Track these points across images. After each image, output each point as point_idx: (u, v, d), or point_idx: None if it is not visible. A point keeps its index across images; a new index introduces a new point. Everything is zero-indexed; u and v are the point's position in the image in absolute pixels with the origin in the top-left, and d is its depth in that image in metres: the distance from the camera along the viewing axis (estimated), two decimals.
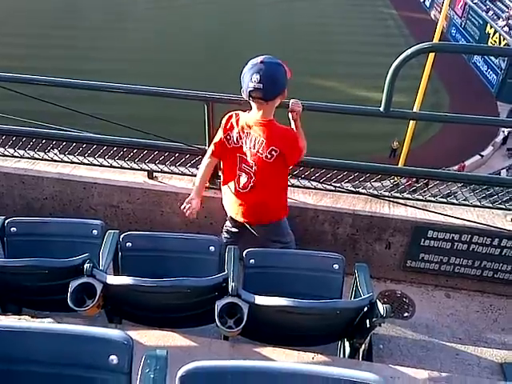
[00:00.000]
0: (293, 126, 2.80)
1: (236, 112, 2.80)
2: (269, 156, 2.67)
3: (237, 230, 3.09)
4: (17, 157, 3.71)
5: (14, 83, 3.29)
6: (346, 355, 2.51)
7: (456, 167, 19.98)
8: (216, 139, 2.87)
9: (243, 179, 2.80)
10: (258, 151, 2.69)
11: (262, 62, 2.53)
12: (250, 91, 2.55)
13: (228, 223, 3.14)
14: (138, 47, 29.35)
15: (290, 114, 2.78)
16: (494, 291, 3.37)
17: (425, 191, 3.47)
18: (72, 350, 1.44)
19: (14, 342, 1.44)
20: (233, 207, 2.95)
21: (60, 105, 3.27)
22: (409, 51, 2.83)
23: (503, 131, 22.51)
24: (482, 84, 28.36)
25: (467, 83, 27.61)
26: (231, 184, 2.87)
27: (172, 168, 3.55)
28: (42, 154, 3.68)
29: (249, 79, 2.53)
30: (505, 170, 21.33)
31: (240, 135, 2.73)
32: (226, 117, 2.82)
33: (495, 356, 2.53)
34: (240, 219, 2.96)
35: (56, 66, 24.01)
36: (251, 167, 2.75)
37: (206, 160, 2.93)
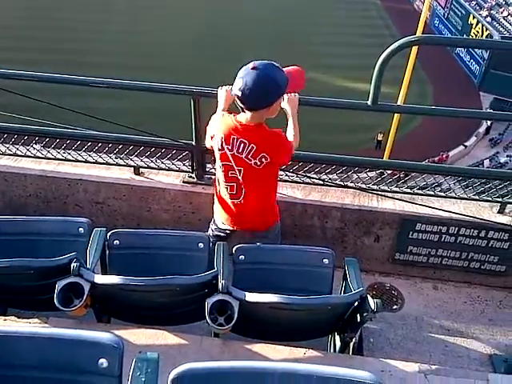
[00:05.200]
0: (289, 122, 2.69)
1: (223, 113, 2.63)
2: (258, 163, 2.50)
3: (225, 235, 2.95)
4: None
5: None
6: (337, 349, 2.52)
7: (436, 158, 20.20)
8: (207, 138, 2.71)
9: (233, 189, 2.65)
10: (246, 157, 2.51)
11: (253, 69, 2.30)
12: (234, 95, 2.41)
13: (215, 229, 2.98)
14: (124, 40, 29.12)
15: (284, 108, 2.65)
16: (481, 282, 3.41)
17: (405, 181, 3.49)
18: (61, 354, 1.41)
19: (1, 347, 1.41)
20: (226, 216, 2.82)
21: (40, 100, 3.15)
22: (396, 44, 2.81)
23: (486, 122, 22.78)
24: (465, 74, 28.64)
25: (450, 73, 27.86)
26: (222, 193, 2.74)
27: (159, 163, 3.50)
28: (24, 150, 3.61)
29: (235, 83, 2.36)
30: (488, 160, 21.65)
31: (226, 141, 2.53)
32: (212, 118, 2.65)
33: (484, 347, 2.56)
34: (234, 227, 2.85)
35: (40, 58, 23.70)
36: (239, 174, 2.58)
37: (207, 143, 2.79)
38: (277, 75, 2.36)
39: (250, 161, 2.50)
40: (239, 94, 2.34)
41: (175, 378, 1.30)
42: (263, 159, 2.49)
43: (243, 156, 2.51)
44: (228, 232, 2.92)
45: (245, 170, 2.56)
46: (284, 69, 2.45)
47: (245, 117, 2.47)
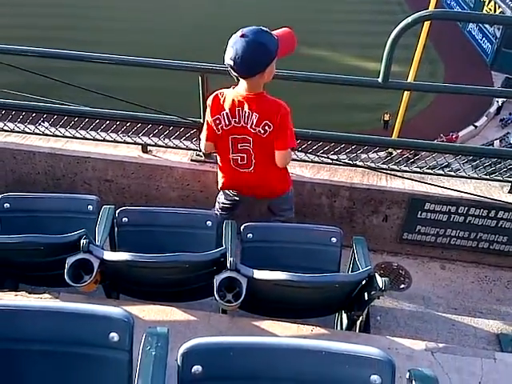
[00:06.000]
0: None
1: (221, 91, 2.62)
2: (262, 131, 2.53)
3: (232, 206, 3.00)
4: (7, 131, 3.63)
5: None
6: (344, 327, 2.54)
7: (445, 139, 19.93)
8: (206, 124, 2.70)
9: (243, 159, 2.68)
10: (251, 127, 2.54)
11: (242, 36, 2.31)
12: (227, 65, 2.41)
13: (223, 199, 3.01)
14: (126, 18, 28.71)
15: None
16: (489, 262, 3.40)
17: (414, 161, 3.46)
18: (72, 328, 1.43)
19: (13, 321, 1.43)
20: (236, 186, 2.86)
21: (49, 76, 3.14)
22: (408, 19, 2.75)
23: (497, 101, 22.41)
24: (477, 52, 28.10)
25: (462, 52, 27.34)
26: (231, 166, 2.74)
27: (166, 141, 3.50)
28: (32, 127, 3.61)
29: (227, 53, 2.37)
30: (498, 141, 21.37)
31: (231, 114, 2.55)
32: (211, 98, 2.63)
33: (491, 326, 2.57)
34: (245, 194, 2.89)
35: (45, 36, 23.49)
36: (249, 144, 2.61)
37: (203, 143, 2.76)
38: (266, 40, 2.37)
39: (255, 130, 2.54)
40: (231, 63, 2.36)
41: (185, 353, 1.31)
42: (266, 127, 2.52)
43: (248, 126, 2.55)
44: (238, 200, 2.95)
45: (253, 140, 2.60)
46: (274, 32, 2.44)
47: (243, 87, 2.50)
